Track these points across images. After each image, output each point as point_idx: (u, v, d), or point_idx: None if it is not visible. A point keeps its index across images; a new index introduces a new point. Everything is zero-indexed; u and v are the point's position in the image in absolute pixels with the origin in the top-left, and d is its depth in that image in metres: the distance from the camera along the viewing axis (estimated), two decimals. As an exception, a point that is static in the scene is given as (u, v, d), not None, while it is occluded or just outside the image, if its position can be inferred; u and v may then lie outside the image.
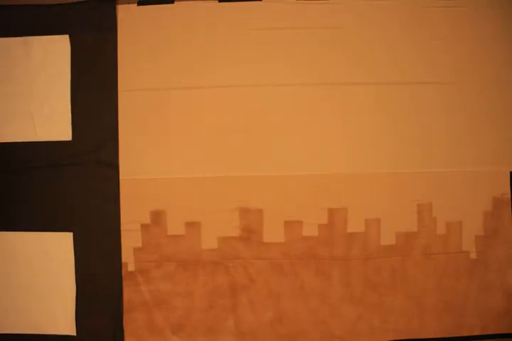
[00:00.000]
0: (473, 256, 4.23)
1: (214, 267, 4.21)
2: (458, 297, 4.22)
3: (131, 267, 4.24)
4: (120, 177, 4.17)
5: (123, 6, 4.20)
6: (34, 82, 4.11)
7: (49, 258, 4.11)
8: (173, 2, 4.24)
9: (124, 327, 4.23)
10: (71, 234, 4.13)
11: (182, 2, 4.23)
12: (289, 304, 4.22)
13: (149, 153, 4.21)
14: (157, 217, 4.24)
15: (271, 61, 4.19)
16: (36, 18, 4.03)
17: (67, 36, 4.06)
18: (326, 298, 4.22)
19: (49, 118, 4.12)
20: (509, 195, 4.24)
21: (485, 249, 4.22)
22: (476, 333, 4.23)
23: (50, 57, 4.10)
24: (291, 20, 4.20)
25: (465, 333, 4.23)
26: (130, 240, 4.22)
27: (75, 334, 4.10)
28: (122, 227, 4.20)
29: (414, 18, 4.21)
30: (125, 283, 4.21)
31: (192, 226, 4.22)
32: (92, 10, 4.04)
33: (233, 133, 4.19)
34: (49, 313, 4.14)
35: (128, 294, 4.19)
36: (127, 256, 4.23)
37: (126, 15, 4.20)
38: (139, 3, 4.23)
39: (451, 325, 4.24)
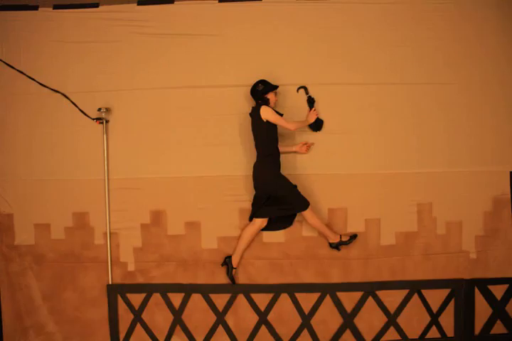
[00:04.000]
0: (473, 256, 4.23)
1: (214, 267, 4.21)
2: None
3: (131, 267, 4.24)
4: (119, 177, 4.19)
5: (123, 5, 4.22)
6: None
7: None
8: (173, 2, 4.24)
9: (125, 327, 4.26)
10: None
11: (182, 2, 4.23)
12: (289, 304, 4.23)
13: (149, 152, 4.21)
14: (157, 217, 4.24)
15: (271, 61, 4.18)
16: None
17: None
18: (326, 298, 4.23)
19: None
20: (509, 195, 4.24)
21: (485, 249, 4.22)
22: (476, 333, 4.25)
23: None
24: (291, 20, 4.20)
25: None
26: (130, 240, 4.23)
27: None
28: (122, 227, 4.22)
29: (413, 19, 4.20)
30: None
31: (192, 226, 4.22)
32: None
33: (233, 132, 4.19)
34: None
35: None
36: (127, 256, 4.24)
37: (126, 15, 4.22)
38: (139, 3, 4.24)
39: (451, 325, 4.26)
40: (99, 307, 4.24)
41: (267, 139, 3.94)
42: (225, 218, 4.19)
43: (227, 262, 4.13)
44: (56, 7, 4.24)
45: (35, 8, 4.25)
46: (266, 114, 3.90)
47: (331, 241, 4.12)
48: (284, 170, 4.12)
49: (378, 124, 4.21)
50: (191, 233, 4.21)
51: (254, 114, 3.95)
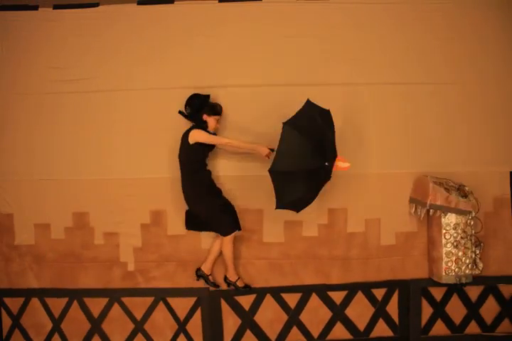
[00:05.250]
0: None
1: (214, 267, 4.19)
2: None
3: (130, 267, 4.24)
4: (119, 177, 4.20)
5: (123, 5, 4.22)
6: None
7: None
8: (173, 2, 4.24)
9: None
10: None
11: (182, 2, 4.22)
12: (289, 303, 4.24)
13: (149, 152, 4.20)
14: (157, 217, 4.23)
15: (271, 61, 4.18)
16: None
17: None
18: (326, 298, 4.24)
19: None
20: (509, 195, 4.24)
21: (485, 249, 4.21)
22: (476, 333, 4.27)
23: None
24: (291, 20, 4.19)
25: (465, 332, 4.26)
26: (130, 240, 4.22)
27: None
28: (122, 227, 4.21)
29: (413, 19, 4.19)
30: (125, 283, 4.24)
31: (192, 226, 4.22)
32: None
33: (233, 132, 4.18)
34: None
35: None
36: (127, 256, 4.23)
37: (126, 15, 4.22)
38: (139, 3, 4.23)
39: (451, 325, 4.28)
40: None
41: (193, 160, 3.88)
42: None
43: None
44: (56, 7, 4.23)
45: (35, 8, 4.25)
46: (197, 136, 3.82)
47: (228, 276, 4.09)
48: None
49: (378, 124, 4.21)
50: (191, 233, 4.20)
51: (184, 137, 3.90)
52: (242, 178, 4.18)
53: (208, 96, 4.01)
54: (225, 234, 3.96)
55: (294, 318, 4.23)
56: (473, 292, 4.25)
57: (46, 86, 4.21)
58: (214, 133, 4.00)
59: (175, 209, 4.18)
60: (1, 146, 4.24)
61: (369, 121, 4.21)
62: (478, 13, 4.21)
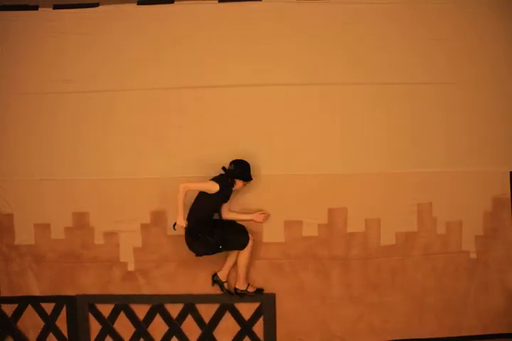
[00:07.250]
0: (473, 255, 4.23)
1: (214, 267, 4.20)
2: (458, 296, 4.23)
3: (130, 267, 4.24)
4: (119, 177, 4.20)
5: (123, 5, 4.22)
6: None
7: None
8: (173, 2, 4.24)
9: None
10: None
11: (182, 2, 4.23)
12: (289, 304, 4.24)
13: (149, 152, 4.21)
14: (157, 217, 4.23)
15: (271, 61, 4.19)
16: None
17: None
18: (326, 298, 4.23)
19: None
20: (509, 195, 4.23)
21: (485, 249, 4.22)
22: (476, 333, 4.26)
23: None
24: (291, 20, 4.20)
25: (465, 333, 4.25)
26: (130, 240, 4.22)
27: None
28: (122, 227, 4.22)
29: (413, 19, 4.20)
30: (125, 283, 4.24)
31: (192, 226, 4.22)
32: None
33: (233, 133, 4.19)
34: None
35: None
36: (127, 256, 4.23)
37: (126, 15, 4.22)
38: (139, 3, 4.24)
39: (450, 325, 4.26)
40: None
41: (203, 207, 3.90)
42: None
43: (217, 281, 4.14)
44: (56, 7, 4.24)
45: (35, 8, 4.25)
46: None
47: (237, 286, 4.10)
48: (285, 171, 4.14)
49: (378, 124, 4.21)
50: (191, 233, 4.21)
51: None
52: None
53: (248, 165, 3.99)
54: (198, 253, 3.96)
55: None
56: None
57: (46, 86, 4.21)
58: (231, 191, 3.98)
59: (175, 210, 4.17)
60: (1, 146, 4.25)
61: (369, 121, 4.21)
62: (478, 12, 4.20)
